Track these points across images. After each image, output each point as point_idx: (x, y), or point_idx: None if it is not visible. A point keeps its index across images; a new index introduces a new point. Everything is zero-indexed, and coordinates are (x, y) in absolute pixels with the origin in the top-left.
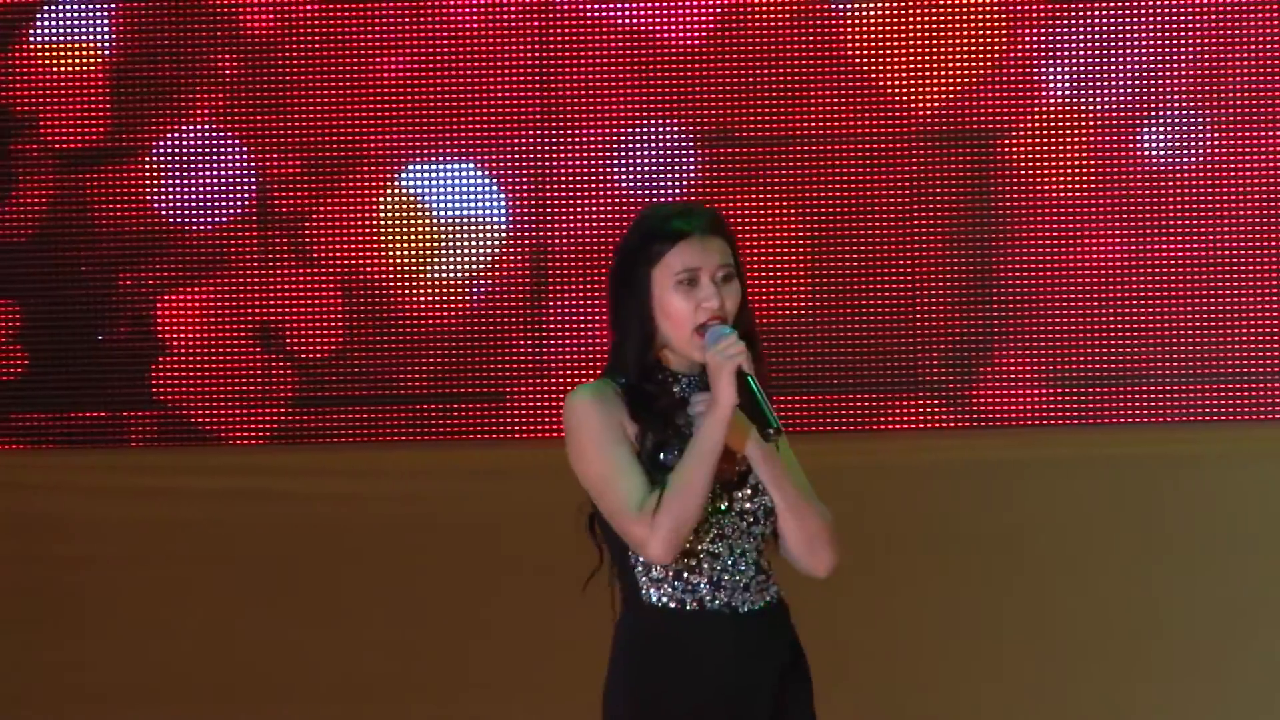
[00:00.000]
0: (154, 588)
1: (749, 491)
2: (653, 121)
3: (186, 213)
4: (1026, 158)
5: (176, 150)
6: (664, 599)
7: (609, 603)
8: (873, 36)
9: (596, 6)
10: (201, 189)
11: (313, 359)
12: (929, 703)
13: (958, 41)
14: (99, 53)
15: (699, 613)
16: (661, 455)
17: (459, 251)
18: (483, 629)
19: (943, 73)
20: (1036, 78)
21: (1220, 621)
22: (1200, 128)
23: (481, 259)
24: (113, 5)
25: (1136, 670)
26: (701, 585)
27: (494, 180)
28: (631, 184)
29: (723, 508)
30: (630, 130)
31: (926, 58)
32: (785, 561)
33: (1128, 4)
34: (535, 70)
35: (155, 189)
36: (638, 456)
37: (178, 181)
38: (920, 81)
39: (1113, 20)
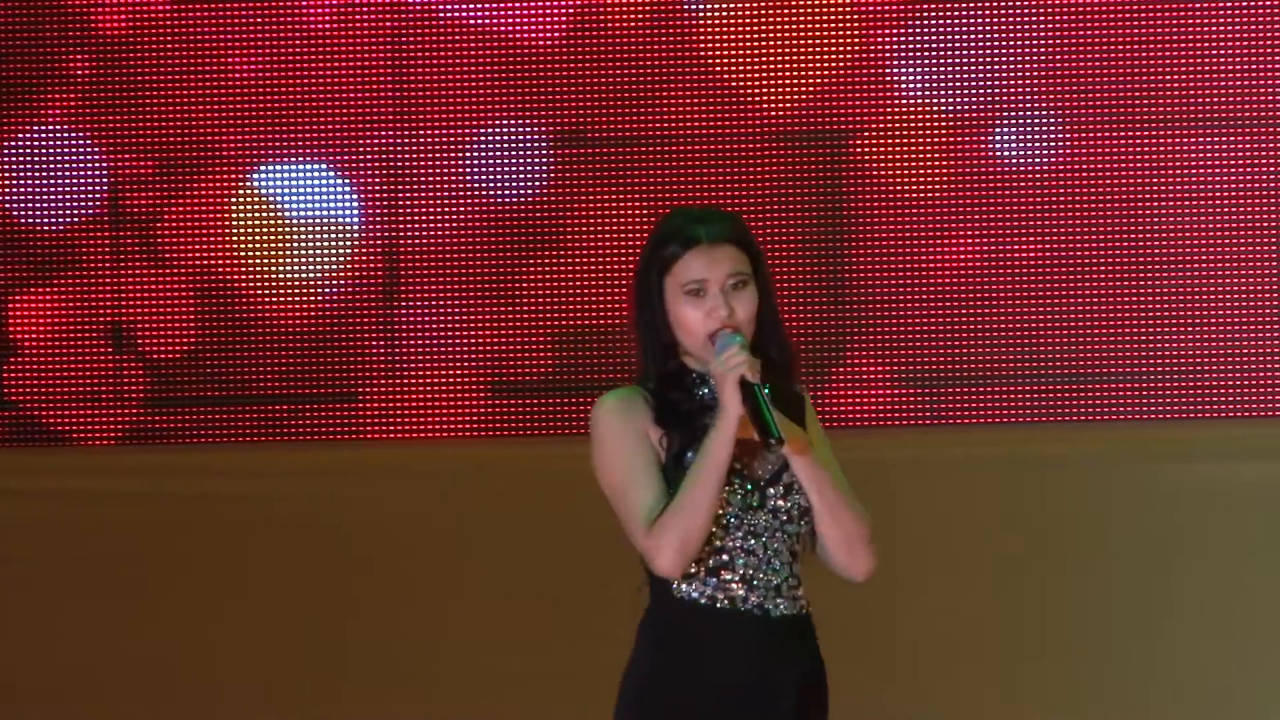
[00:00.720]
0: (1, 587)
1: (782, 490)
2: (506, 122)
3: (37, 213)
4: (880, 158)
5: (27, 150)
6: (695, 594)
7: (468, 603)
8: (726, 37)
9: (450, 7)
10: (53, 189)
11: (164, 359)
12: None
13: (811, 42)
14: None
15: (730, 611)
16: (689, 455)
17: (312, 252)
18: (334, 630)
19: (796, 73)
20: (890, 78)
21: (1081, 621)
22: (1054, 128)
23: (334, 259)
24: None
25: (989, 671)
26: (734, 583)
27: (347, 180)
28: (485, 184)
29: (754, 504)
30: (484, 130)
31: (779, 58)
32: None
33: (981, 5)
34: (389, 70)
35: (6, 189)
36: (663, 463)
37: (29, 181)
38: (773, 82)
39: (966, 21)
